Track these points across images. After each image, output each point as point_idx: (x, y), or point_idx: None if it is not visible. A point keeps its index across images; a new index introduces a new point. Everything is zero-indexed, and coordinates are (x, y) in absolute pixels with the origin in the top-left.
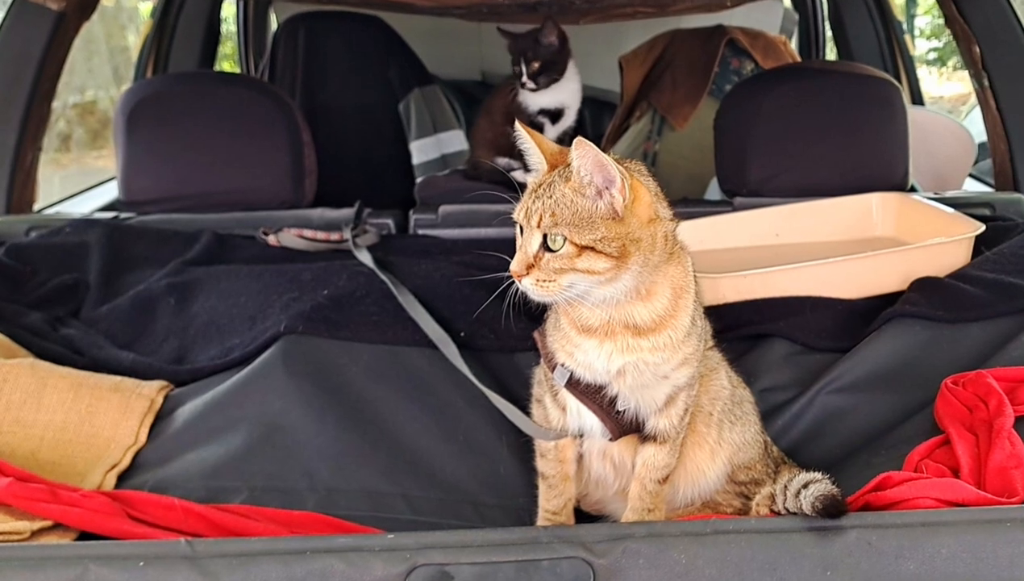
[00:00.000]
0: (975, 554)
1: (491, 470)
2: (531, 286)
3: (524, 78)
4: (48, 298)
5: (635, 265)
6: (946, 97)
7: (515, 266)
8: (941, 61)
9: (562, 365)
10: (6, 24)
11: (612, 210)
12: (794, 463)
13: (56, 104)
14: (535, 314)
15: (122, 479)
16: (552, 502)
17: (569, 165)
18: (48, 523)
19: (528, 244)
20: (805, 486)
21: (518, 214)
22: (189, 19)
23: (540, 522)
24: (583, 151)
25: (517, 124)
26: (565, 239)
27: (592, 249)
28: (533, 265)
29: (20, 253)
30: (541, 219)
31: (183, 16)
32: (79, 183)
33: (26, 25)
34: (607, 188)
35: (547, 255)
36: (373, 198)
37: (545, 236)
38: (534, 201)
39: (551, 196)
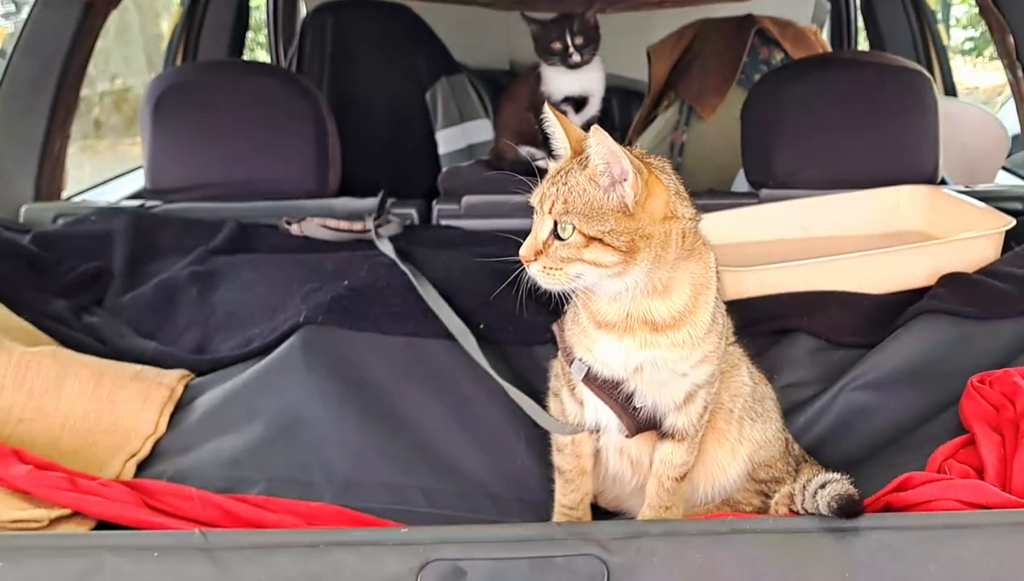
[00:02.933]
0: (1000, 558)
1: (509, 463)
2: (538, 272)
3: (571, 50)
4: (73, 286)
5: (644, 261)
6: (981, 88)
7: (524, 251)
8: (977, 51)
9: (580, 359)
10: (35, 12)
11: (622, 204)
12: (816, 461)
13: (90, 92)
14: (555, 307)
15: (141, 468)
16: (568, 497)
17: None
18: (66, 511)
19: (539, 230)
20: (823, 486)
21: (534, 198)
22: (218, 7)
23: (556, 517)
24: (599, 139)
25: (546, 107)
26: (574, 228)
27: (600, 241)
28: (542, 251)
29: (46, 241)
30: (553, 205)
31: (212, 4)
32: (113, 169)
33: (55, 13)
34: (620, 181)
35: (556, 243)
36: (400, 188)
37: (556, 223)
38: (550, 186)
39: (566, 183)
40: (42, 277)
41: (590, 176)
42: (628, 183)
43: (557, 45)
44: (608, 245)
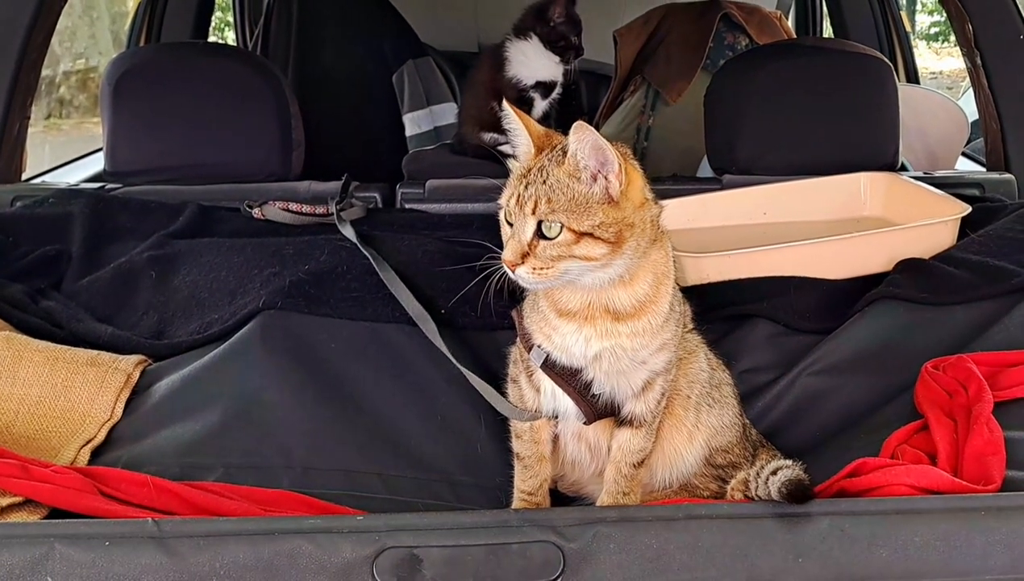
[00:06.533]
0: (949, 542)
1: (468, 449)
2: (527, 274)
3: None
4: (29, 270)
5: (629, 250)
6: (945, 72)
7: (509, 255)
8: (942, 36)
9: (539, 346)
10: None
11: (607, 195)
12: (773, 446)
13: (55, 71)
14: (517, 293)
15: (96, 454)
16: (528, 483)
17: (557, 148)
18: (18, 499)
19: (521, 232)
20: (774, 472)
21: (507, 201)
22: None
23: (516, 503)
24: (582, 135)
25: (505, 105)
26: (563, 226)
27: (591, 235)
28: (528, 253)
29: (3, 224)
30: (536, 206)
31: None
32: (79, 149)
33: None
34: (603, 173)
35: (543, 242)
36: (366, 171)
37: (540, 223)
38: (526, 187)
39: (545, 181)
40: None
41: (570, 171)
42: (614, 173)
43: (574, 39)
44: (598, 238)
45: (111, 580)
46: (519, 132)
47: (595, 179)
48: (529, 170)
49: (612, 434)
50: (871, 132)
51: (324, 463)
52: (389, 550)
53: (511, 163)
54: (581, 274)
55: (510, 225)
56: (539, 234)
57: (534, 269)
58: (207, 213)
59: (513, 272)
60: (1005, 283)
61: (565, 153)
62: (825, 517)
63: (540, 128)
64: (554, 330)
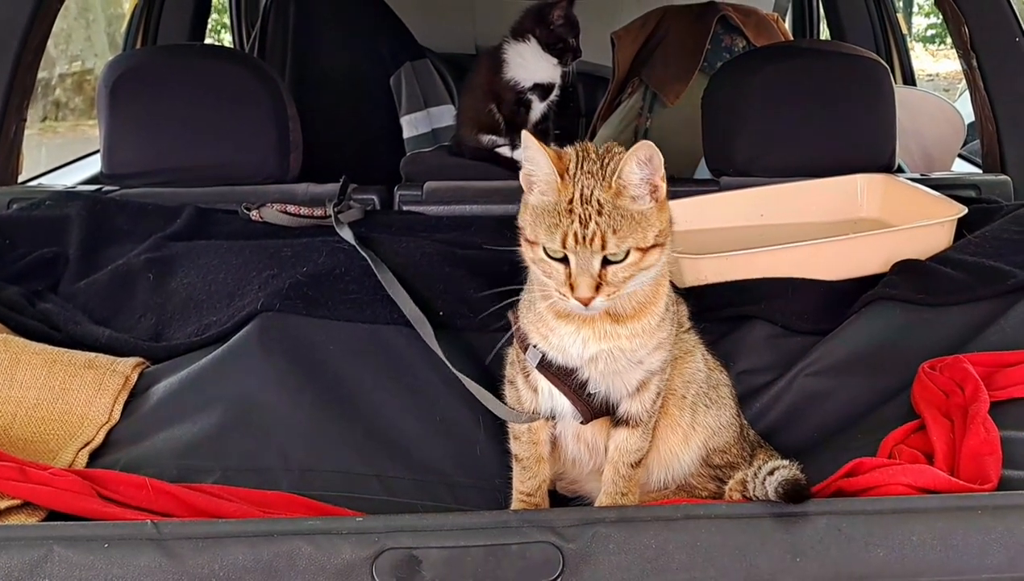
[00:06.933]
0: (946, 541)
1: (467, 451)
2: (602, 302)
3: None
4: (26, 272)
5: (668, 247)
6: (942, 74)
7: (586, 292)
8: (939, 39)
9: (535, 347)
10: None
11: (656, 201)
12: (771, 447)
13: (51, 74)
14: (511, 293)
15: (95, 457)
16: (526, 484)
17: (585, 170)
18: (17, 502)
19: (588, 266)
20: (771, 472)
21: (562, 242)
22: None
23: (514, 504)
24: (647, 151)
25: (525, 134)
26: (630, 248)
27: (656, 246)
28: (600, 283)
29: None
30: (605, 241)
31: None
32: (75, 151)
33: None
34: (652, 181)
35: (612, 268)
36: (364, 173)
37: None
38: (580, 225)
39: (601, 212)
40: None
41: (619, 192)
42: (660, 175)
43: (572, 41)
44: (658, 245)
45: None
46: (540, 160)
47: (648, 189)
48: (570, 201)
49: (609, 434)
50: (868, 134)
51: (322, 465)
52: (388, 551)
53: (535, 197)
54: (641, 282)
55: (557, 260)
56: (604, 261)
57: (608, 296)
58: (205, 215)
59: (587, 306)
60: (1001, 284)
61: (604, 174)
62: (823, 517)
63: (555, 151)
64: (551, 331)
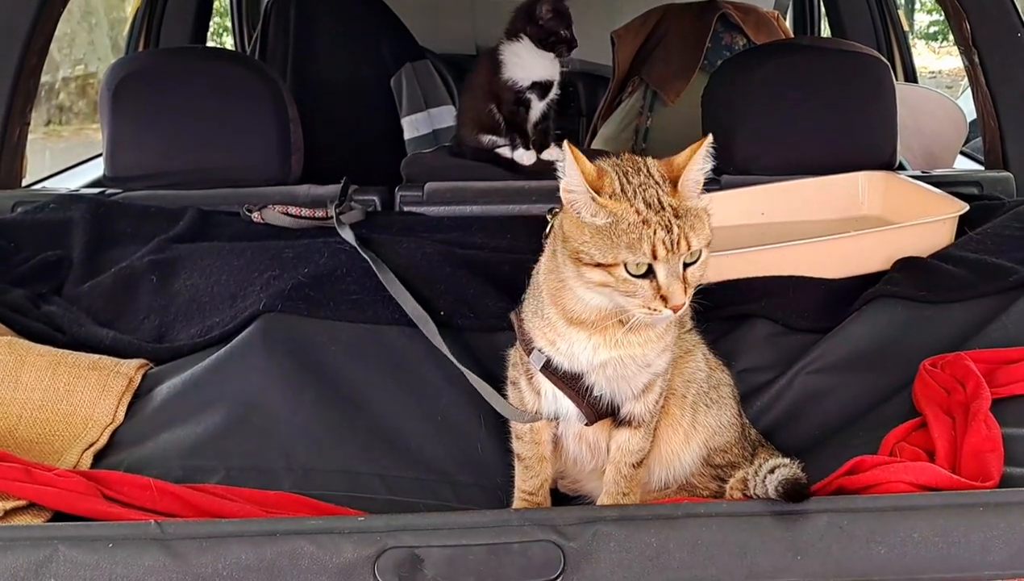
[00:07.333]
0: (947, 539)
1: (469, 450)
2: (687, 306)
3: (571, 37)
4: (31, 275)
5: None
6: (944, 71)
7: (680, 298)
8: (941, 35)
9: (539, 350)
10: None
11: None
12: (772, 445)
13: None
14: (513, 292)
15: (99, 458)
16: (528, 483)
17: (642, 180)
18: (22, 502)
19: (675, 273)
20: (772, 471)
21: (652, 253)
22: None
23: (516, 503)
24: (704, 153)
25: (566, 145)
26: (702, 248)
27: (709, 242)
28: (685, 287)
29: (4, 229)
30: (689, 243)
31: None
32: (79, 154)
33: None
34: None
35: (690, 269)
36: (365, 174)
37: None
38: (660, 231)
39: (676, 217)
40: None
41: (686, 195)
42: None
43: (565, 33)
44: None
45: None
46: (573, 172)
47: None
48: (638, 211)
49: (611, 434)
50: (869, 131)
51: (325, 464)
52: (390, 550)
53: (586, 217)
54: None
55: (638, 277)
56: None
57: (688, 299)
58: (207, 217)
59: (676, 311)
60: (1003, 281)
61: (664, 180)
62: (824, 514)
63: (586, 161)
64: (559, 336)
